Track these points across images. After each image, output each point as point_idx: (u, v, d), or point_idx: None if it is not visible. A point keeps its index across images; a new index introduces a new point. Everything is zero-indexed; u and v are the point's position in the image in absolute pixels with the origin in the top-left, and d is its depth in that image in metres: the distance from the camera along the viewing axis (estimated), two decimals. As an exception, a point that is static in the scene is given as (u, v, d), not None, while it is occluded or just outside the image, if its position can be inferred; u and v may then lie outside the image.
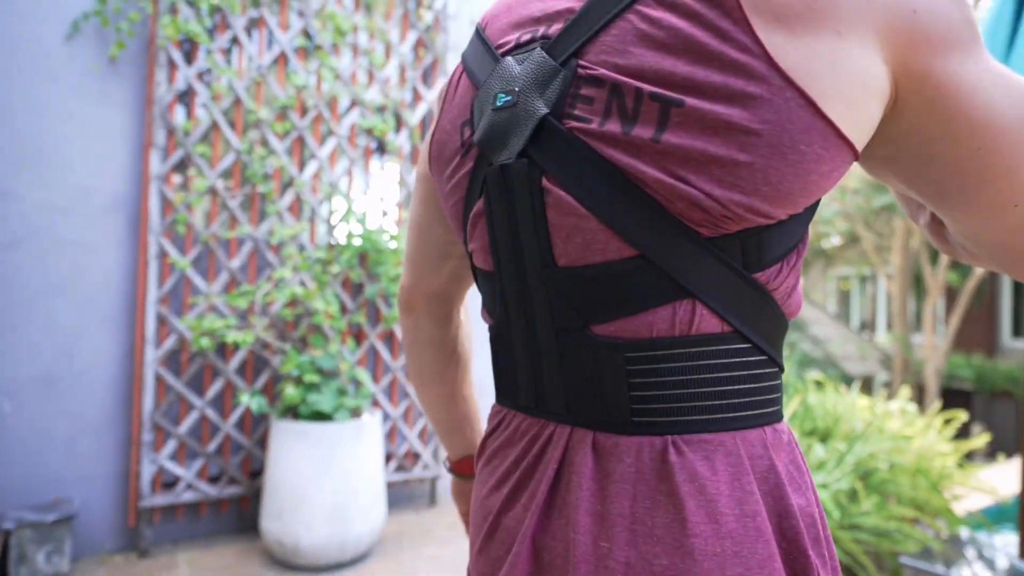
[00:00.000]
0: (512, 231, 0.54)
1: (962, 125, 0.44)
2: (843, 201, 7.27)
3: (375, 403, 3.14)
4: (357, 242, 2.95)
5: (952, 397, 8.56)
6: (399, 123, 3.22)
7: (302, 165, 3.03)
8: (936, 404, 3.36)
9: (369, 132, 3.12)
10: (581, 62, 0.49)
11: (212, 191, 2.74)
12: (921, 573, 1.76)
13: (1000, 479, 3.75)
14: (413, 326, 0.79)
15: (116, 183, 2.62)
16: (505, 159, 0.53)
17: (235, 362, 2.74)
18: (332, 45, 3.01)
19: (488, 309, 0.63)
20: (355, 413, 2.68)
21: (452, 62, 3.33)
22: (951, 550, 1.99)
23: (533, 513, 0.53)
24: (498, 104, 0.53)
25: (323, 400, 2.56)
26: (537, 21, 0.55)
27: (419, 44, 3.30)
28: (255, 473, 2.89)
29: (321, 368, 2.67)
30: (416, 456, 3.27)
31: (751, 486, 0.49)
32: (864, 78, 0.43)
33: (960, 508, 2.38)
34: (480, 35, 0.60)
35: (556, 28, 0.52)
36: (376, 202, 3.17)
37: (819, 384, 3.28)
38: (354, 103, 3.09)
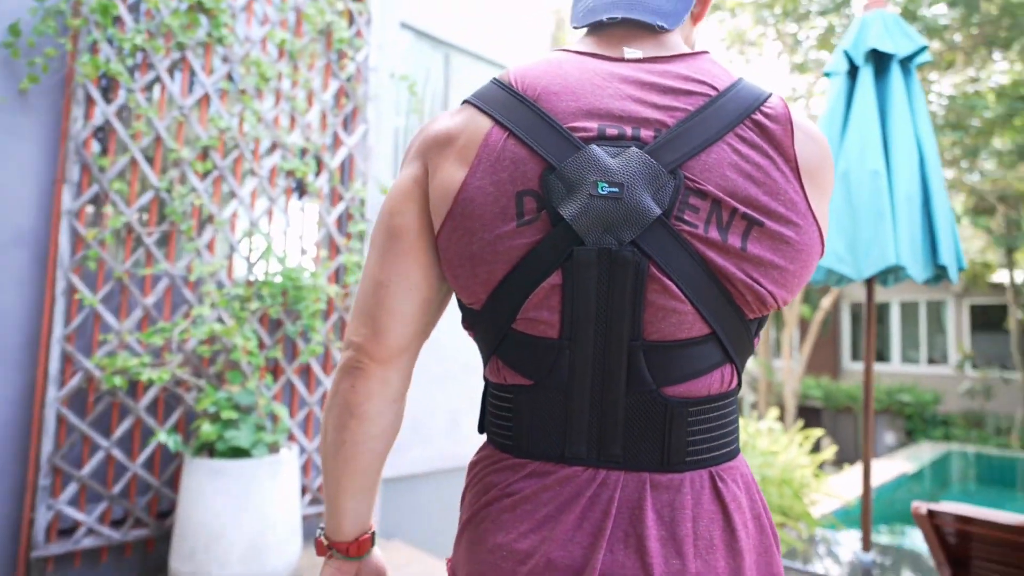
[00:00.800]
0: (603, 307, 0.63)
1: None
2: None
3: (291, 437, 3.17)
4: (277, 279, 3.02)
5: (807, 414, 9.81)
6: (319, 166, 3.35)
7: (221, 203, 3.08)
8: (798, 422, 3.86)
9: (290, 173, 3.22)
10: (688, 175, 0.62)
11: (128, 228, 2.73)
12: (786, 570, 2.09)
13: (846, 485, 4.33)
14: (379, 383, 0.72)
15: (21, 217, 2.57)
16: (609, 244, 0.62)
17: (146, 400, 2.71)
18: (256, 89, 3.11)
19: (524, 371, 0.67)
20: (273, 448, 2.72)
21: (372, 111, 3.53)
22: (809, 549, 2.35)
23: (600, 544, 0.62)
24: (601, 192, 0.61)
25: (241, 436, 2.59)
26: (620, 119, 0.64)
27: (340, 93, 3.47)
28: (163, 514, 2.83)
29: (239, 404, 2.70)
30: (331, 490, 3.30)
31: (753, 495, 0.69)
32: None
33: (816, 512, 2.78)
34: (535, 108, 0.65)
35: (648, 134, 0.64)
36: (295, 241, 3.26)
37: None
38: (275, 145, 3.19)
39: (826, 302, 9.46)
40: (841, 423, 10.16)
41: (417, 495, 3.85)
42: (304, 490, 3.19)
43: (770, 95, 0.67)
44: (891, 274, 2.11)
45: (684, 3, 0.73)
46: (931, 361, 12.16)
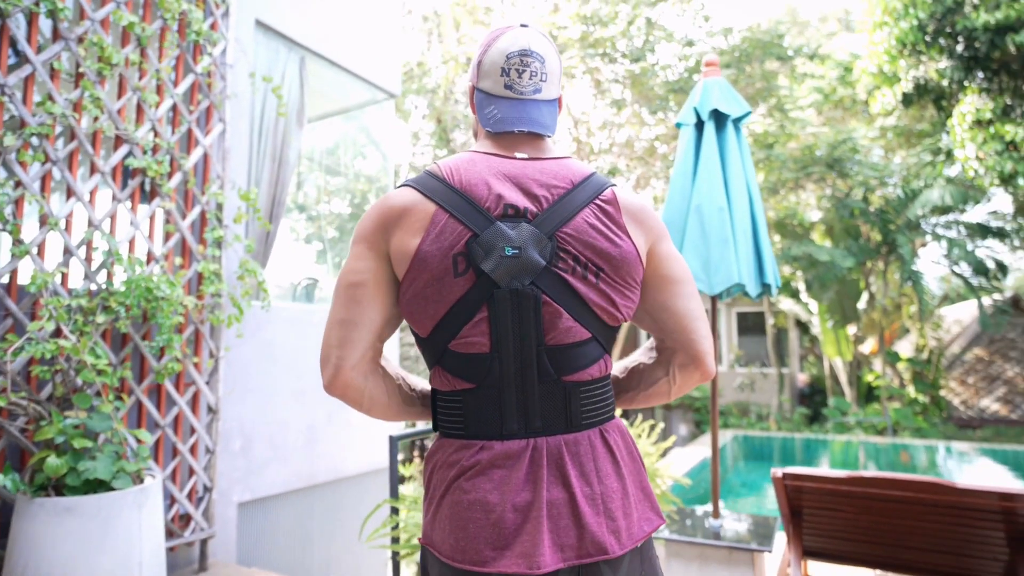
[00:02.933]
0: (516, 326, 0.95)
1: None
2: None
3: (138, 466, 2.85)
4: (121, 288, 2.70)
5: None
6: (172, 165, 3.06)
7: (51, 200, 2.67)
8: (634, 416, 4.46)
9: (138, 172, 2.91)
10: (560, 236, 0.97)
11: (-67, 226, 2.27)
12: (672, 542, 2.48)
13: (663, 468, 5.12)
14: (374, 386, 1.04)
15: None
16: (516, 286, 0.94)
17: (-43, 433, 2.26)
18: (97, 74, 2.76)
19: (464, 377, 0.98)
20: (136, 478, 2.44)
21: (229, 110, 3.31)
22: (671, 523, 2.77)
23: (542, 487, 0.93)
24: (507, 253, 0.94)
25: (99, 467, 2.30)
26: (515, 201, 0.97)
27: (195, 88, 3.21)
28: (-22, 568, 2.37)
29: (92, 431, 2.38)
30: (186, 518, 3.03)
31: (628, 440, 1.05)
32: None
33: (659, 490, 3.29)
34: (462, 195, 0.97)
35: (533, 210, 0.97)
36: (144, 246, 2.94)
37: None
38: (120, 139, 2.86)
39: None
40: (642, 416, 11.68)
41: (275, 517, 3.66)
42: (156, 522, 2.88)
43: (610, 186, 1.03)
44: (730, 290, 2.64)
45: (555, 118, 1.09)
46: None
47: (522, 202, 0.97)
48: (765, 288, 2.61)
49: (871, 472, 1.80)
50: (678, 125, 2.75)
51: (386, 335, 1.05)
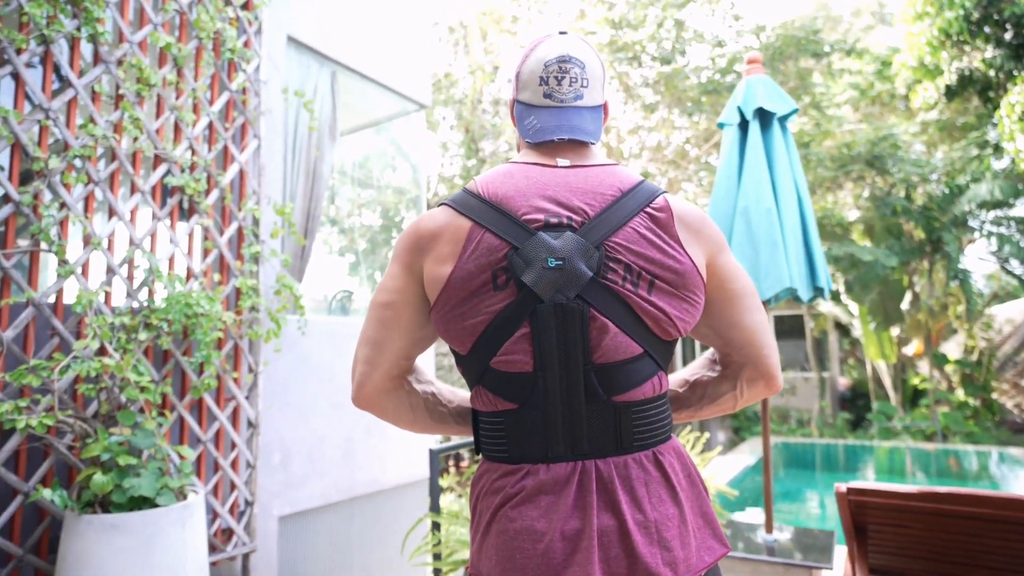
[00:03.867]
0: (561, 342, 0.89)
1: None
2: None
3: (181, 482, 2.86)
4: (164, 306, 2.72)
5: None
6: (209, 183, 3.09)
7: (94, 220, 2.71)
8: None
9: (176, 190, 2.94)
10: (608, 245, 0.91)
11: (-17, 248, 2.31)
12: (723, 558, 2.38)
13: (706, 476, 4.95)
14: (398, 402, 1.05)
15: None
16: (560, 300, 0.89)
17: (3, 453, 2.29)
18: (136, 95, 2.80)
19: (506, 396, 0.93)
20: (180, 494, 2.45)
21: (264, 126, 3.34)
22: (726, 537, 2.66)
23: (592, 514, 0.87)
24: (550, 266, 0.88)
25: (143, 484, 2.30)
26: (558, 212, 0.92)
27: (230, 105, 3.24)
28: (29, 586, 2.40)
29: (136, 448, 2.39)
30: (228, 533, 3.03)
31: (686, 461, 0.98)
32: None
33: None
34: (498, 208, 0.93)
35: (578, 220, 0.92)
36: (183, 263, 2.97)
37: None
38: (159, 159, 2.90)
39: None
40: (678, 424, 11.44)
41: (313, 531, 3.65)
42: (199, 538, 2.88)
43: (660, 194, 0.97)
44: (778, 295, 2.53)
45: (599, 125, 1.05)
46: None
47: (564, 212, 0.92)
48: (817, 292, 2.50)
49: (945, 487, 1.68)
50: (720, 125, 2.66)
51: (415, 354, 1.03)
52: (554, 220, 0.91)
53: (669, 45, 9.25)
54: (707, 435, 3.35)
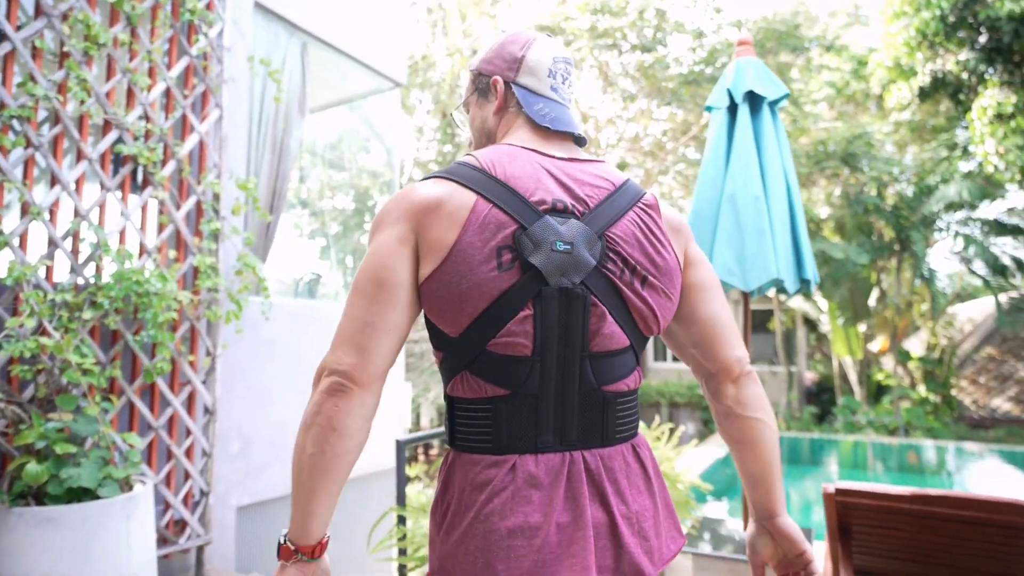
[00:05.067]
0: (564, 328, 0.87)
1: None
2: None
3: (129, 472, 2.68)
4: (110, 282, 2.53)
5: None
6: (166, 153, 2.88)
7: (34, 188, 2.50)
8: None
9: (128, 159, 2.73)
10: (608, 237, 0.91)
11: (-96, 214, 2.10)
12: (701, 556, 2.29)
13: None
14: (360, 404, 0.84)
15: None
16: (566, 285, 0.87)
17: (-70, 438, 2.10)
18: (84, 54, 2.58)
19: (499, 382, 0.88)
20: (125, 485, 2.27)
21: (227, 95, 3.13)
22: (698, 533, 2.59)
23: (584, 506, 0.86)
24: (558, 249, 0.87)
25: (83, 474, 2.13)
26: (562, 198, 0.91)
27: (189, 71, 3.02)
28: (-45, 583, 2.20)
29: (76, 435, 2.21)
30: (181, 524, 2.86)
31: (652, 455, 1.00)
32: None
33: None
34: (505, 185, 0.89)
35: (579, 209, 0.91)
36: (135, 238, 2.76)
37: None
38: (109, 125, 2.68)
39: None
40: (647, 416, 11.46)
41: (275, 521, 3.49)
42: (148, 531, 2.71)
43: (646, 192, 0.99)
44: (761, 288, 2.45)
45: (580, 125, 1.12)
46: None
47: (568, 199, 0.91)
48: (803, 284, 2.42)
49: (936, 490, 1.62)
50: (708, 109, 2.56)
51: (402, 343, 0.91)
52: (560, 205, 0.90)
53: (650, 33, 9.16)
54: (682, 428, 3.29)
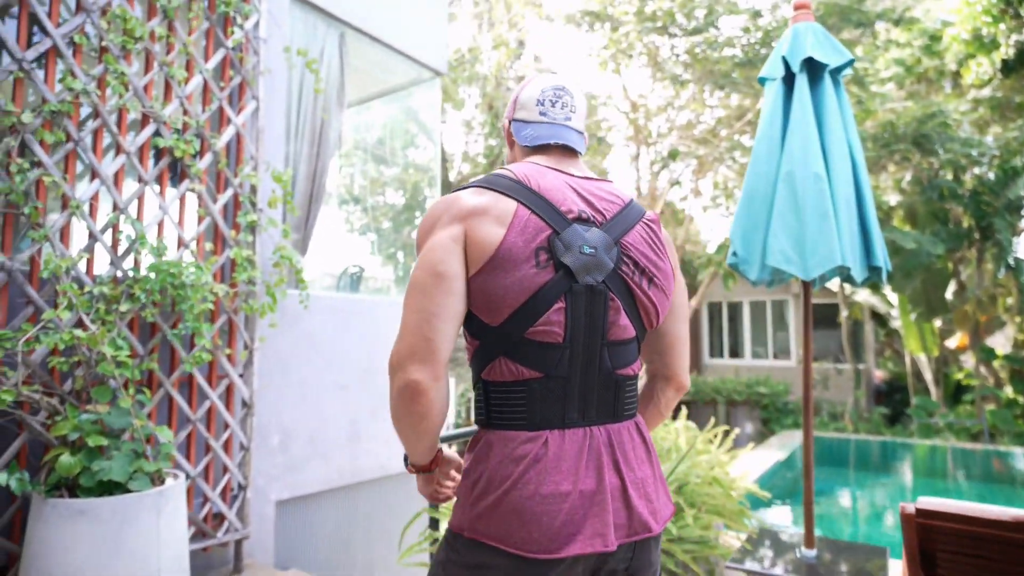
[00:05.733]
0: (589, 320, 1.03)
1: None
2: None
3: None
4: (153, 275, 2.53)
5: (678, 407, 10.43)
6: (202, 145, 2.88)
7: (75, 183, 2.52)
8: (682, 415, 4.05)
9: (165, 152, 2.73)
10: (623, 244, 1.08)
11: (-53, 208, 2.13)
12: (750, 573, 2.09)
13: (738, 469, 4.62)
14: (442, 386, 1.01)
15: None
16: (591, 282, 1.03)
17: (-26, 428, 2.13)
18: (121, 49, 2.59)
19: (534, 366, 1.02)
20: (156, 479, 2.26)
21: (263, 87, 3.11)
22: (753, 548, 2.38)
23: (604, 473, 1.02)
24: (585, 252, 1.02)
25: (114, 467, 2.12)
26: (584, 210, 1.07)
27: (226, 63, 3.01)
28: (-1, 571, 2.25)
29: (109, 428, 2.21)
30: (219, 518, 2.86)
31: (648, 433, 1.16)
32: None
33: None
34: (540, 196, 1.04)
35: (600, 220, 1.07)
36: (173, 231, 2.77)
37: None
38: (147, 118, 2.69)
39: (693, 302, 10.16)
40: (704, 413, 11.02)
41: (315, 517, 3.47)
42: (188, 522, 2.71)
43: (648, 211, 1.16)
44: (824, 276, 2.23)
45: (583, 145, 1.20)
46: (775, 356, 13.40)
47: (590, 211, 1.07)
48: (872, 273, 2.17)
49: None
50: (761, 81, 2.34)
51: (459, 331, 1.06)
52: (584, 215, 1.06)
53: (701, 15, 8.76)
54: (737, 430, 3.06)
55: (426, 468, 1.15)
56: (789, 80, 2.24)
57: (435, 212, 1.05)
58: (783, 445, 9.17)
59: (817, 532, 2.17)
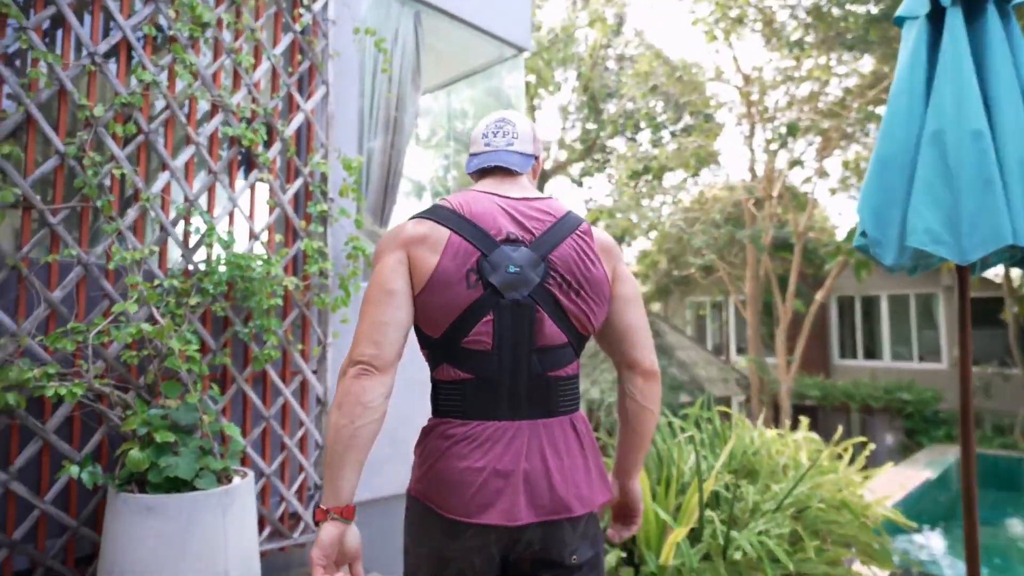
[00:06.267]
0: (515, 330, 1.20)
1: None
2: (707, 234, 7.70)
3: (243, 460, 2.66)
4: (222, 269, 2.49)
5: (802, 413, 9.44)
6: (271, 134, 2.81)
7: (148, 176, 2.52)
8: (801, 423, 3.57)
9: (235, 142, 2.68)
10: (550, 260, 1.23)
11: (24, 203, 2.16)
12: None
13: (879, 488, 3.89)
14: (380, 383, 1.16)
15: None
16: (516, 297, 1.20)
17: (56, 420, 2.16)
18: (189, 38, 2.55)
19: (468, 370, 1.21)
20: (223, 477, 2.21)
21: (332, 71, 3.00)
22: None
23: (521, 459, 1.19)
24: (510, 271, 1.20)
25: (181, 464, 2.08)
26: (512, 230, 1.24)
27: (294, 48, 2.92)
28: (84, 560, 2.29)
29: (177, 423, 2.18)
30: (296, 518, 2.81)
31: (588, 428, 1.31)
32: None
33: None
34: (470, 222, 1.22)
35: (527, 238, 1.23)
36: (243, 223, 2.72)
37: (727, 416, 3.31)
38: (216, 108, 2.64)
39: (819, 295, 9.21)
40: (834, 421, 9.89)
41: (395, 520, 3.37)
42: (261, 521, 2.68)
43: (583, 221, 1.31)
44: (988, 260, 1.77)
45: (525, 165, 1.36)
46: (921, 358, 11.79)
47: (518, 231, 1.23)
48: (1057, 255, 1.69)
49: None
50: (897, 22, 1.88)
51: (406, 339, 1.24)
52: (513, 236, 1.22)
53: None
54: (872, 446, 2.58)
55: (339, 511, 1.14)
56: (937, 16, 1.77)
57: (386, 239, 1.25)
58: (932, 462, 8.06)
59: (984, 572, 1.73)
